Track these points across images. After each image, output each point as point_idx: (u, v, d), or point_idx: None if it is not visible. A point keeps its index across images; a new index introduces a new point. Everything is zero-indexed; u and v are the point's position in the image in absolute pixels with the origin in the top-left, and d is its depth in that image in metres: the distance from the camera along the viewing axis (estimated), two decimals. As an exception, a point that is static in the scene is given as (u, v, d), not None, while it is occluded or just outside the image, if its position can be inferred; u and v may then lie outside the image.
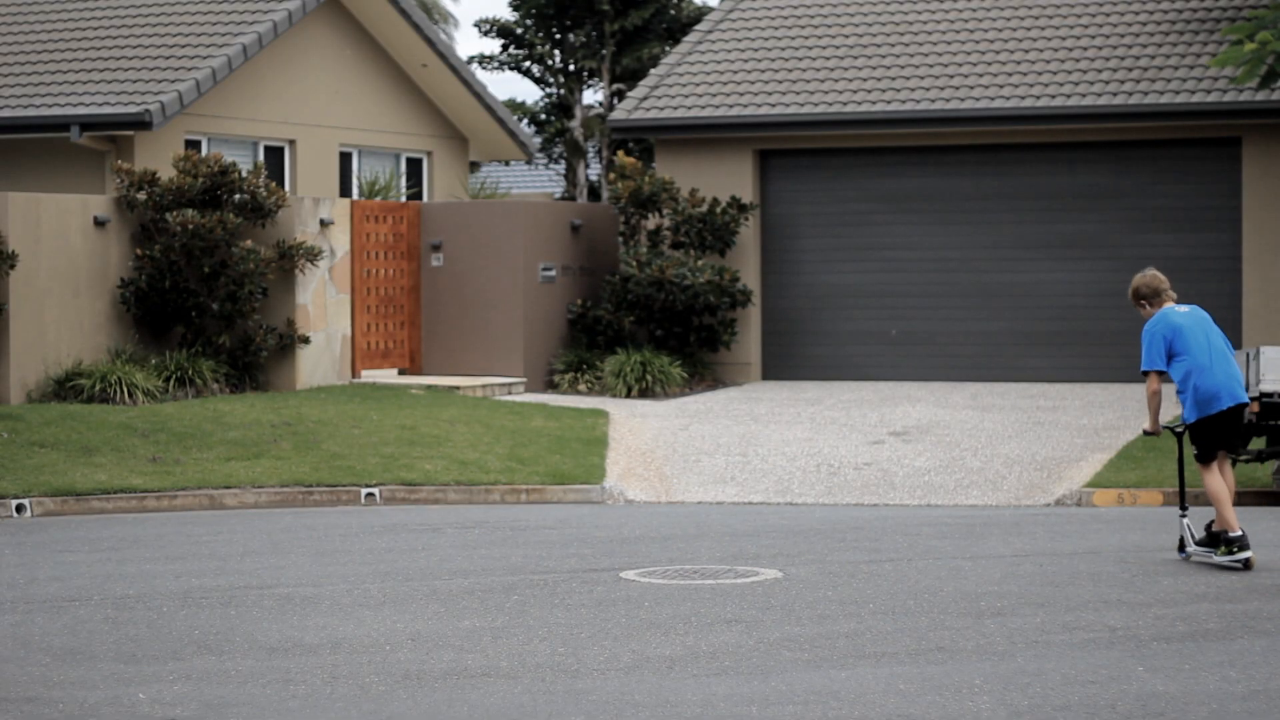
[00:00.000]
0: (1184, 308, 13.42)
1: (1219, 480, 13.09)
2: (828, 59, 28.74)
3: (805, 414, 24.05)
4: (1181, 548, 13.35)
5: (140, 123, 25.94)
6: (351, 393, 24.08)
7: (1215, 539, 13.09)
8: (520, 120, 42.75)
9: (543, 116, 44.25)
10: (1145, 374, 13.24)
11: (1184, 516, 13.38)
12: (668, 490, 19.95)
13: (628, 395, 25.70)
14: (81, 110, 26.38)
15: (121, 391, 22.23)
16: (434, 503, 19.05)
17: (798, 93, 28.13)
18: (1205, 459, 13.13)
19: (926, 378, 27.40)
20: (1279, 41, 23.58)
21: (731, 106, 28.08)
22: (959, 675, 9.16)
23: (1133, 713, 8.37)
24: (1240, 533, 12.85)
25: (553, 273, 26.90)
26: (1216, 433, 13.13)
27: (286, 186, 28.88)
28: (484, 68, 43.59)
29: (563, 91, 43.60)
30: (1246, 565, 12.81)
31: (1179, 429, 13.54)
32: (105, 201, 23.68)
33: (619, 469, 20.54)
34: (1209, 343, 13.19)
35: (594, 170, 45.31)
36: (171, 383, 22.99)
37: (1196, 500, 18.84)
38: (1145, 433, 13.57)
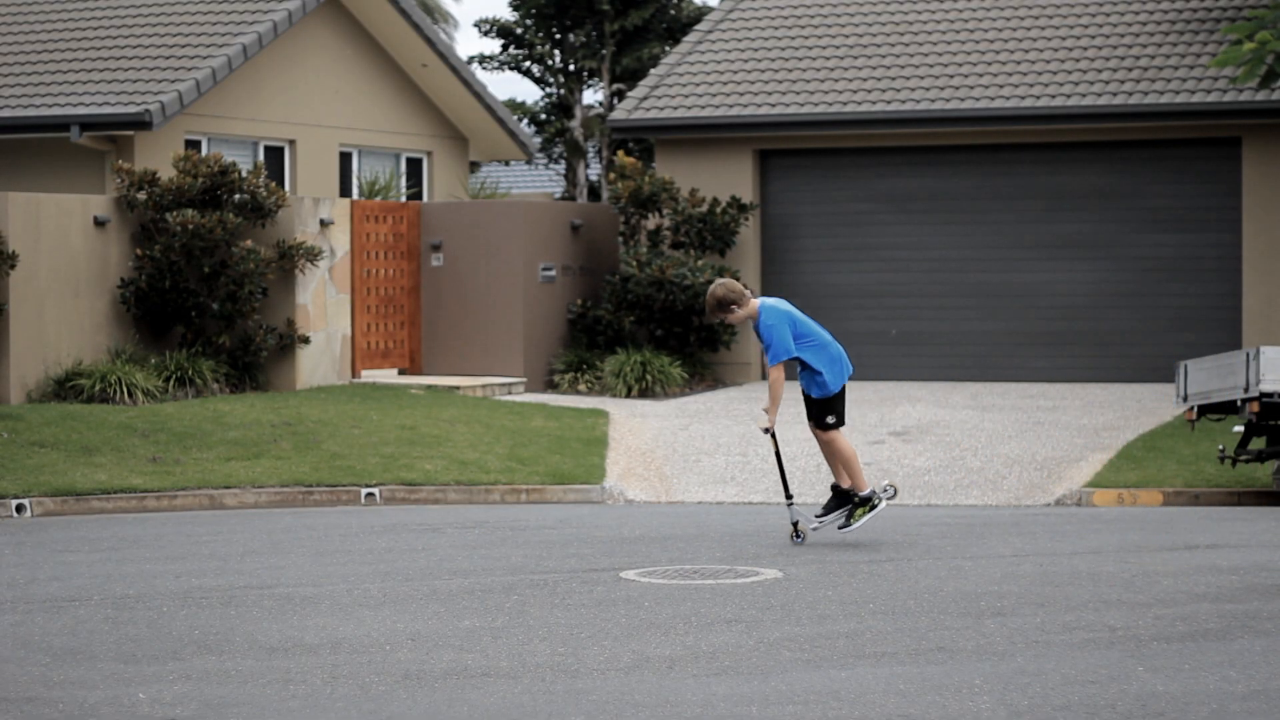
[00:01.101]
0: (772, 299, 13.87)
1: (849, 442, 14.01)
2: (828, 59, 28.75)
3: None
4: (797, 534, 13.88)
5: (140, 123, 25.95)
6: (351, 393, 24.08)
7: (846, 497, 13.83)
8: (520, 120, 42.74)
9: (543, 116, 44.25)
10: (776, 365, 13.59)
11: (791, 504, 13.99)
12: (668, 490, 19.95)
13: (628, 395, 25.71)
14: (81, 110, 26.39)
15: (121, 391, 22.23)
16: (434, 503, 19.04)
17: (798, 93, 28.14)
18: (840, 423, 13.90)
19: (926, 378, 27.41)
20: (1278, 41, 23.58)
21: (731, 106, 28.08)
22: (959, 675, 9.16)
23: (1133, 713, 8.37)
24: (872, 489, 13.87)
25: (553, 273, 26.90)
26: (843, 398, 13.91)
27: (286, 186, 28.89)
28: (484, 68, 43.61)
29: (563, 91, 43.60)
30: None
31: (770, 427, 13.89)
32: (105, 201, 23.67)
33: (619, 469, 20.54)
34: (815, 322, 13.94)
35: (594, 170, 45.32)
36: (171, 383, 22.99)
37: (1196, 500, 18.85)
38: (768, 431, 13.84)
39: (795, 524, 13.95)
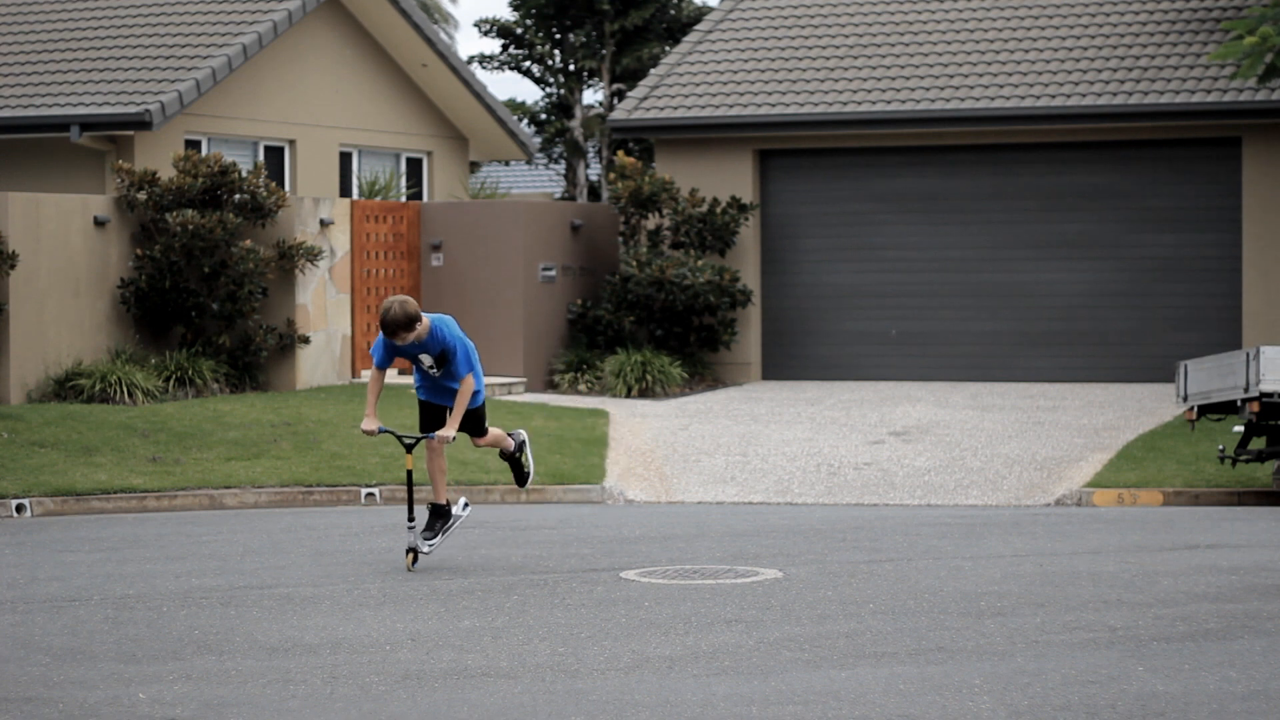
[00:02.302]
0: (434, 315, 13.70)
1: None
2: (828, 59, 28.74)
3: (805, 414, 24.05)
4: (415, 559, 13.09)
5: (140, 123, 25.94)
6: (352, 393, 24.08)
7: (442, 512, 13.29)
8: (520, 120, 42.74)
9: (543, 116, 44.25)
10: (469, 375, 13.73)
11: (412, 527, 13.14)
12: (668, 490, 19.95)
13: (628, 395, 25.70)
14: (81, 110, 26.38)
15: (121, 391, 22.23)
16: (434, 503, 19.02)
17: (798, 93, 28.13)
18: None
19: (926, 378, 27.40)
20: (1279, 36, 23.57)
21: (731, 106, 28.08)
22: (959, 675, 9.16)
23: (1133, 713, 8.37)
24: (511, 435, 14.00)
25: (553, 273, 26.90)
26: None
27: (286, 186, 28.89)
28: (484, 68, 43.61)
29: (563, 91, 43.60)
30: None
31: (410, 439, 13.63)
32: (105, 201, 23.68)
33: (619, 469, 20.54)
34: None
35: (594, 170, 45.32)
36: (171, 383, 22.99)
37: (1196, 500, 18.85)
38: (453, 439, 13.44)
39: (413, 550, 13.07)
